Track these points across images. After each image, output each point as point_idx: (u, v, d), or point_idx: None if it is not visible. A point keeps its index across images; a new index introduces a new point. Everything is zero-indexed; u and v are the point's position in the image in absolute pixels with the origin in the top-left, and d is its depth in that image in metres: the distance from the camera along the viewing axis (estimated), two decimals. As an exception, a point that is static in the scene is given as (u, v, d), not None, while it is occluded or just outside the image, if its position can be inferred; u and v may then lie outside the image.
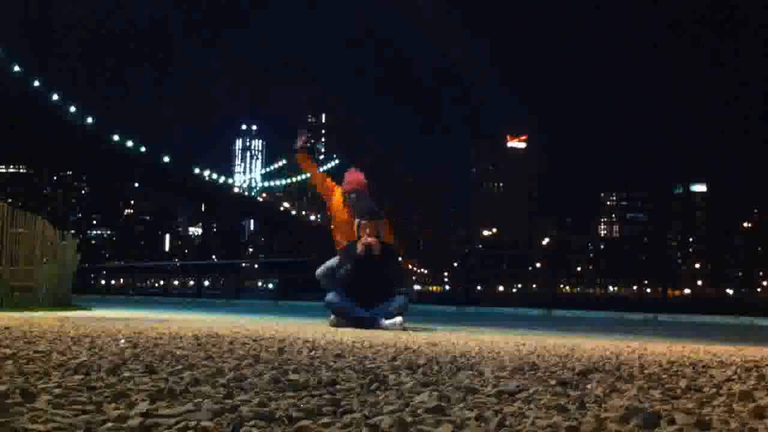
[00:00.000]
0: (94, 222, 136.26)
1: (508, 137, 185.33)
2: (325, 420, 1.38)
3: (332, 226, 7.24)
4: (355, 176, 7.09)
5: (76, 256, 12.93)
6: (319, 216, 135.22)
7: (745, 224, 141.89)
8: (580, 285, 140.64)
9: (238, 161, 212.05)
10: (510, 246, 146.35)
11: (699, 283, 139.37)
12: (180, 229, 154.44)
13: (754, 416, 1.54)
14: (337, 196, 7.13)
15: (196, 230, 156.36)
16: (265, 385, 1.80)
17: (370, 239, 6.31)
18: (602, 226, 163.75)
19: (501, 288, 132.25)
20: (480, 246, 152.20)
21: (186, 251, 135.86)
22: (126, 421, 1.31)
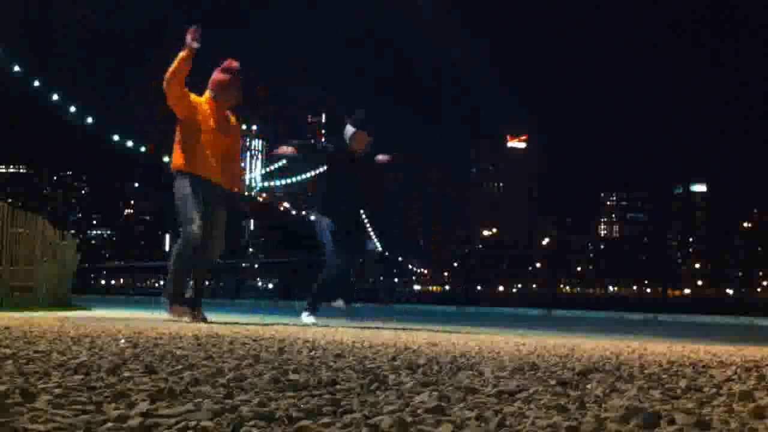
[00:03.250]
0: (94, 222, 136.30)
1: (508, 137, 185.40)
2: (325, 420, 1.38)
3: (183, 140, 6.16)
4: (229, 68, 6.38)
5: (76, 256, 12.94)
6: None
7: (745, 224, 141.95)
8: (580, 285, 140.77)
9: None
10: (510, 246, 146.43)
11: (699, 283, 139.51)
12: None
13: (754, 416, 1.54)
14: (200, 101, 6.23)
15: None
16: (265, 385, 1.80)
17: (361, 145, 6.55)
18: (602, 226, 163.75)
19: (501, 288, 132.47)
20: (480, 246, 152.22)
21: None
22: (126, 421, 1.31)
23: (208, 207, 6.10)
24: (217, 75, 6.27)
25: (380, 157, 6.72)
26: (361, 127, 6.55)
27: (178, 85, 6.02)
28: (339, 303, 6.52)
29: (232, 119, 6.45)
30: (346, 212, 6.49)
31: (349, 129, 6.58)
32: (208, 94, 6.28)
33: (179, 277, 6.01)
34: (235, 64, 6.35)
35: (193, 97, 6.22)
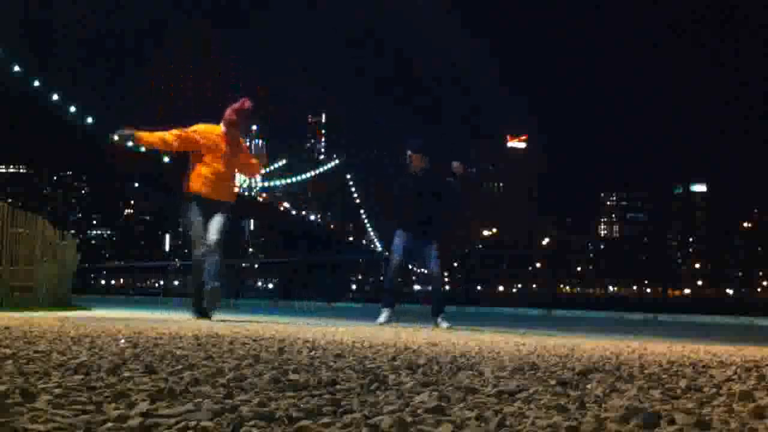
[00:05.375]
0: (94, 222, 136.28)
1: (508, 137, 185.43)
2: (325, 420, 1.38)
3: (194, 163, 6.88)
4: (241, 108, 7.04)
5: (76, 256, 12.93)
6: (319, 216, 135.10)
7: (745, 224, 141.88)
8: (580, 285, 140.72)
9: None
10: (510, 246, 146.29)
11: (699, 283, 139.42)
12: (180, 229, 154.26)
13: (754, 416, 1.54)
14: (206, 131, 6.93)
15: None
16: (265, 385, 1.80)
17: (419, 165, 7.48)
18: (602, 226, 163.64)
19: (501, 288, 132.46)
20: (480, 246, 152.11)
21: (186, 251, 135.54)
22: (126, 421, 1.31)
23: (209, 215, 6.88)
24: (229, 114, 6.93)
25: (455, 164, 7.70)
26: (417, 150, 7.59)
27: (172, 145, 6.85)
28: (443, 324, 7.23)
29: (241, 140, 7.21)
30: (417, 224, 7.51)
31: (408, 153, 7.60)
32: (221, 128, 6.94)
33: (197, 292, 6.88)
34: (248, 104, 7.04)
35: (202, 128, 6.94)
